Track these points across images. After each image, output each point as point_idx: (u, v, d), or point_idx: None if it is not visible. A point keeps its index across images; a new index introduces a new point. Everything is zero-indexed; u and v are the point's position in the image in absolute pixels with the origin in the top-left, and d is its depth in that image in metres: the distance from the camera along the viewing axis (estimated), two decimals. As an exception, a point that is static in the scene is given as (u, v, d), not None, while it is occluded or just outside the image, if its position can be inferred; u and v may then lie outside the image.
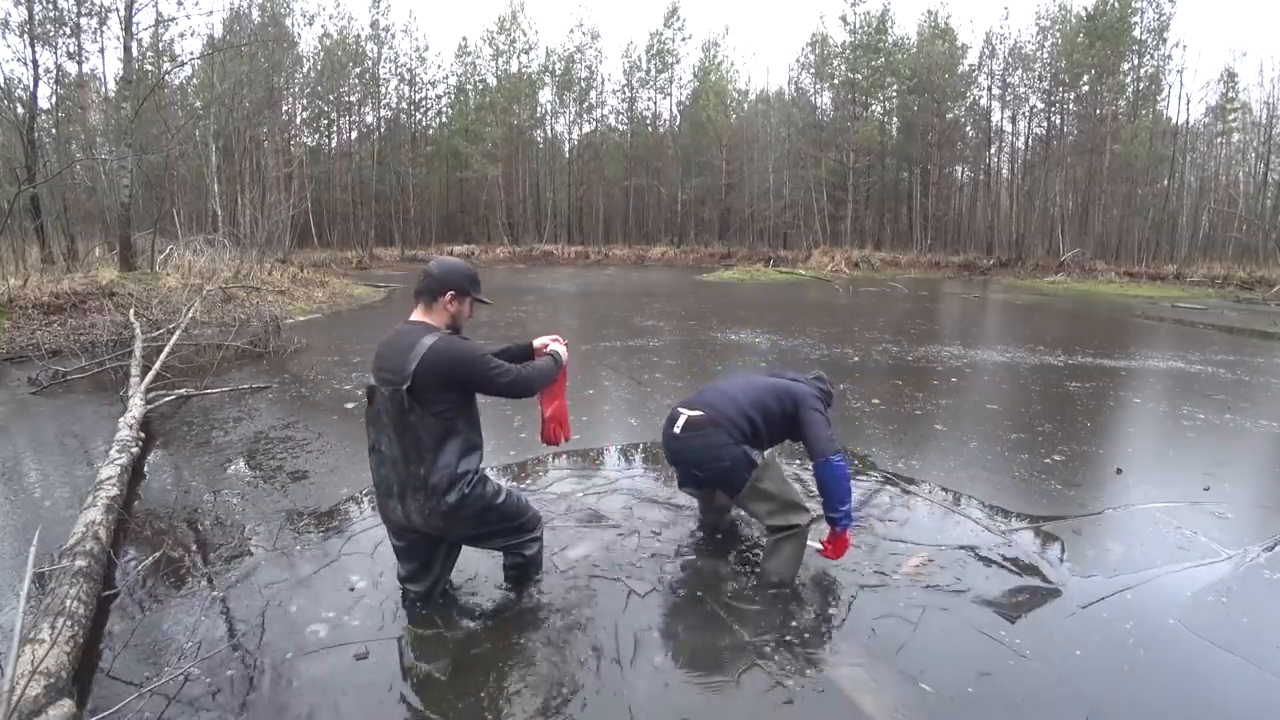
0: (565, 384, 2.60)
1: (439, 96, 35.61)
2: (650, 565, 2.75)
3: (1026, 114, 30.15)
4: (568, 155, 37.92)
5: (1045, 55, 28.63)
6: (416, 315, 2.29)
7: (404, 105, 34.06)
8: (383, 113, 33.45)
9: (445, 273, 2.28)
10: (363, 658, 2.12)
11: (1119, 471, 3.94)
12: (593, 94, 36.74)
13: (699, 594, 2.55)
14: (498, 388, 2.24)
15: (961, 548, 2.93)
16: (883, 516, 3.24)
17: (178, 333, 6.88)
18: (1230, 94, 27.88)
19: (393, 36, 32.86)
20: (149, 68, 18.40)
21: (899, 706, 1.95)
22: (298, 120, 29.76)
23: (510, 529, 2.41)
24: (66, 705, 1.74)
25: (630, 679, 2.07)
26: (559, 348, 2.54)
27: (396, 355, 2.17)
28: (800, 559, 2.61)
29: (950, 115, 30.27)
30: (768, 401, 2.73)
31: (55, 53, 17.38)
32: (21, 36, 15.77)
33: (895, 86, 31.28)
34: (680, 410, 2.72)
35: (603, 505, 3.33)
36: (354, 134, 33.41)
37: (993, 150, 31.44)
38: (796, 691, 2.02)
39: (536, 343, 2.58)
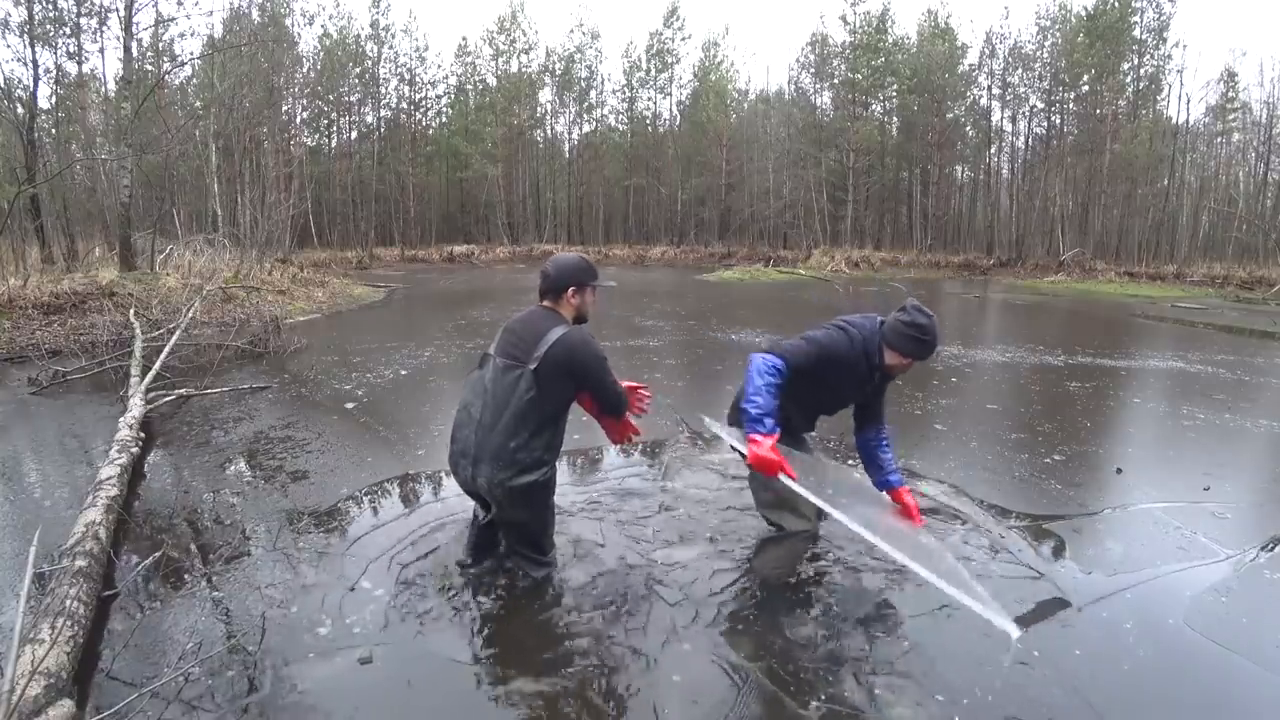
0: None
1: (439, 96, 35.54)
2: (670, 569, 2.70)
3: (1026, 114, 30.08)
4: (568, 155, 37.84)
5: (1045, 55, 28.55)
6: (546, 304, 2.43)
7: (404, 105, 33.99)
8: (383, 113, 33.40)
9: (561, 271, 2.42)
10: (367, 661, 2.11)
11: (1119, 471, 3.94)
12: (593, 94, 36.70)
13: (719, 599, 2.52)
14: (606, 393, 2.40)
15: (961, 547, 2.93)
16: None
17: (178, 333, 6.88)
18: (1230, 94, 27.80)
19: (393, 36, 32.80)
20: (149, 68, 18.38)
21: None
22: (298, 120, 29.69)
23: (541, 535, 2.51)
24: (66, 705, 1.74)
25: (657, 689, 2.04)
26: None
27: (527, 337, 2.33)
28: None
29: (950, 115, 30.18)
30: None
31: (55, 53, 17.43)
32: (21, 36, 15.81)
33: (895, 86, 31.17)
34: None
35: (619, 505, 3.32)
36: (354, 134, 33.34)
37: (993, 150, 31.37)
38: (815, 708, 1.99)
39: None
